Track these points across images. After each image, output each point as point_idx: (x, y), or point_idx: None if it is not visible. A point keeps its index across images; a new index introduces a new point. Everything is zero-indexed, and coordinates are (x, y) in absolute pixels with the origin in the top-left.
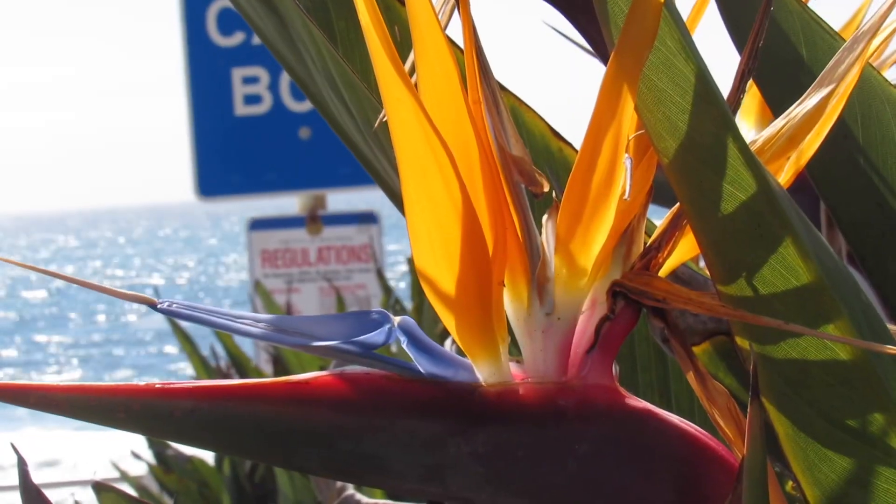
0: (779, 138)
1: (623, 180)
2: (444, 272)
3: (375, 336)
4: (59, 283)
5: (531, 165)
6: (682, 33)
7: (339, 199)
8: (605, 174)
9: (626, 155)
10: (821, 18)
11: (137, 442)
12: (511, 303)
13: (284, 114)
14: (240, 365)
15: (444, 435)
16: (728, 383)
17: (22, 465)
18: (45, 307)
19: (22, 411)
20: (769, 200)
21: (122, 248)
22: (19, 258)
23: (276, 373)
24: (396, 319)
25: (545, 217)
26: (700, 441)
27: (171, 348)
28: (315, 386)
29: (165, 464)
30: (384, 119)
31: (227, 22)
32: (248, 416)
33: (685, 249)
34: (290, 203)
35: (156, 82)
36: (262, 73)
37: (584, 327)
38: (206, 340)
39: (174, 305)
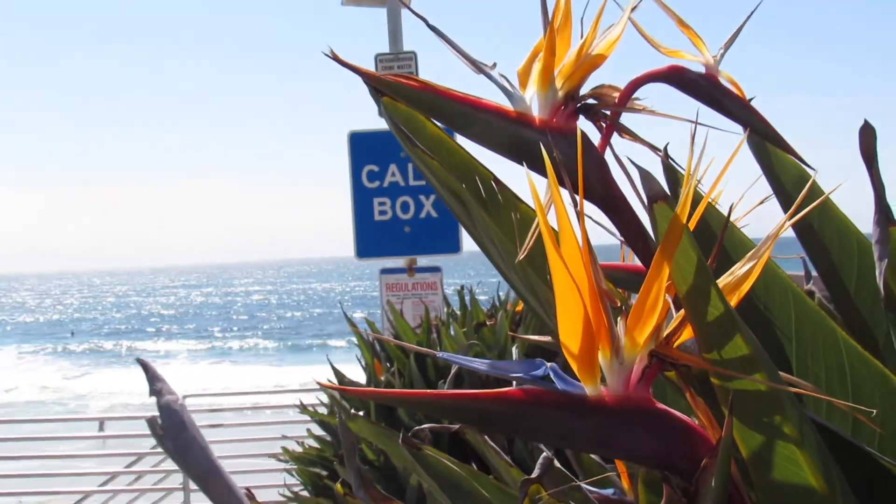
0: (731, 283)
1: (664, 304)
2: (573, 342)
3: (539, 371)
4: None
5: (612, 293)
6: (691, 239)
7: (422, 260)
8: (654, 301)
9: (666, 294)
10: (736, 226)
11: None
12: (602, 357)
13: (397, 220)
14: (382, 344)
15: (570, 419)
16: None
17: (340, 409)
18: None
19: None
20: (728, 313)
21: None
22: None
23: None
24: (549, 364)
25: (619, 317)
26: (691, 426)
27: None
28: (509, 394)
29: (341, 380)
30: (519, 259)
31: (371, 176)
32: (477, 409)
33: (687, 333)
34: (399, 261)
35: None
36: (387, 201)
37: (637, 370)
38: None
39: (444, 355)
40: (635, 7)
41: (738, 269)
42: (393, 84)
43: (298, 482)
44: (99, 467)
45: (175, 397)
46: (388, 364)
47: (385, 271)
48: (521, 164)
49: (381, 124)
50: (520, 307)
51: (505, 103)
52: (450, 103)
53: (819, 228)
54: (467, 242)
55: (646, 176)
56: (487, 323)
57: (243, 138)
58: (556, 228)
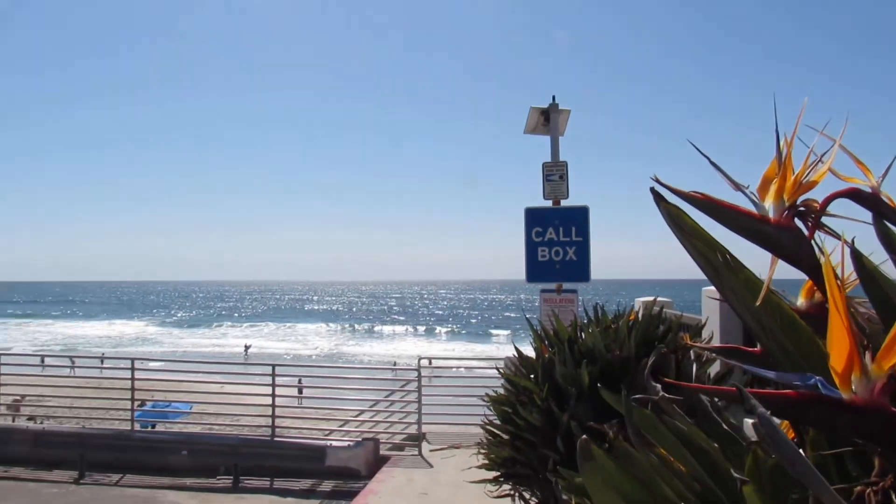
0: None
1: None
2: (838, 364)
3: (811, 382)
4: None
5: (862, 335)
6: None
7: (566, 284)
8: None
9: None
10: None
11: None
12: (854, 376)
13: (552, 261)
14: (545, 333)
15: (833, 413)
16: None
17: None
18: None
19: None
20: None
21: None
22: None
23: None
24: (817, 377)
25: (866, 351)
26: None
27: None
28: (792, 394)
29: (520, 355)
30: (757, 304)
31: (537, 234)
32: (777, 402)
33: None
34: (551, 285)
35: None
36: (546, 250)
37: (880, 385)
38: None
39: (749, 368)
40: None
41: None
42: (686, 195)
43: (493, 414)
44: (364, 396)
45: (765, 411)
46: (550, 347)
47: (544, 290)
48: (762, 247)
49: (543, 203)
50: (632, 316)
51: (749, 206)
52: (721, 208)
53: None
54: (592, 274)
55: None
56: (612, 326)
57: (472, 208)
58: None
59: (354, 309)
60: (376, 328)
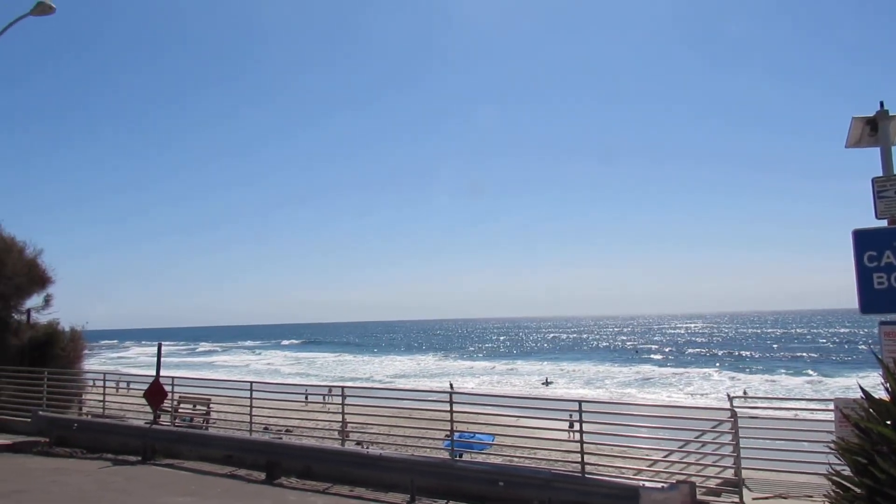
0: None
1: None
2: None
3: None
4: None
5: None
6: None
7: None
8: None
9: None
10: None
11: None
12: None
13: (892, 288)
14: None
15: None
16: None
17: None
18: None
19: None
20: None
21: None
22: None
23: None
24: None
25: None
26: None
27: None
28: None
29: (869, 398)
30: None
31: (870, 259)
32: None
33: None
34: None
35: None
36: (883, 276)
37: None
38: None
39: None
40: None
41: None
42: None
43: (840, 463)
44: (670, 436)
45: None
46: None
47: (884, 322)
48: None
49: (875, 224)
50: None
51: None
52: None
53: None
54: None
55: None
56: None
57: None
58: None
59: (631, 342)
60: (663, 361)
